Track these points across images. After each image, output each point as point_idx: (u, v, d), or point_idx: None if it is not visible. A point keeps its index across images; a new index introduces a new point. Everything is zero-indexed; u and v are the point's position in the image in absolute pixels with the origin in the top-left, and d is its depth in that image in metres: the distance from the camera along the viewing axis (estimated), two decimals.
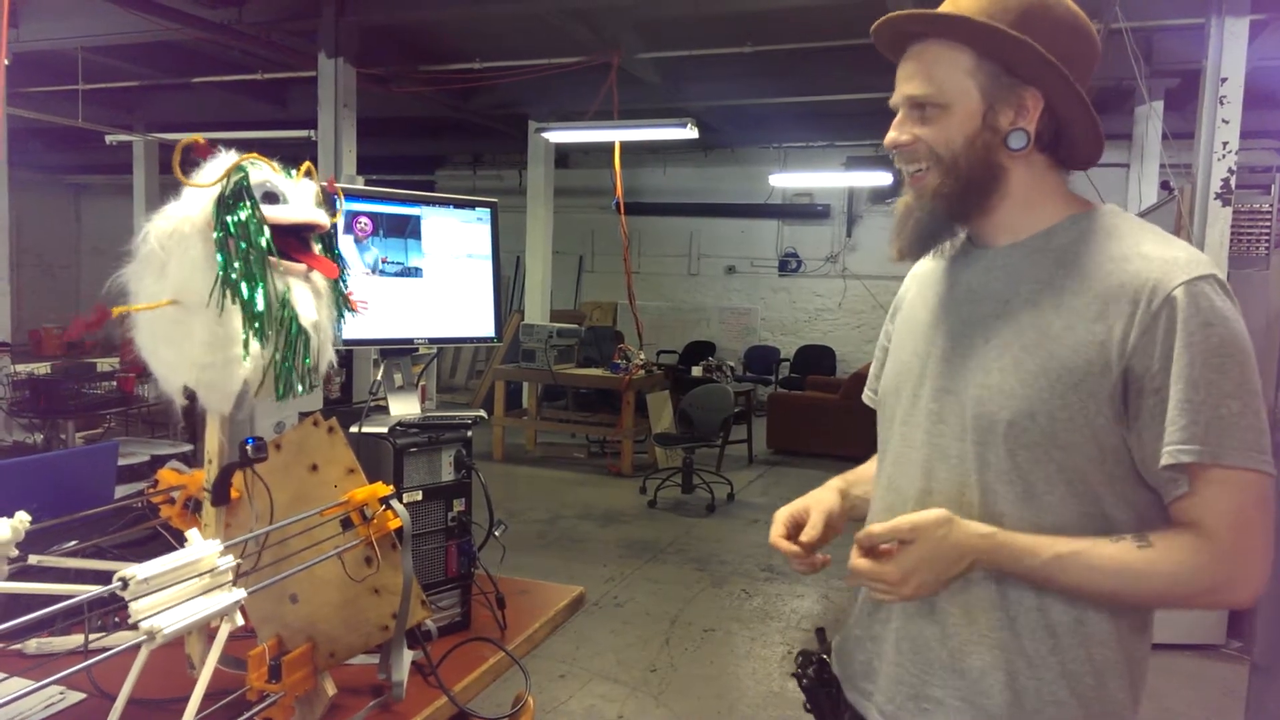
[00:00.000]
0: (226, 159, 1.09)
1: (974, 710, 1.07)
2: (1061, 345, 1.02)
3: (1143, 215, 5.95)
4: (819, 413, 8.01)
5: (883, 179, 9.93)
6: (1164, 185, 6.91)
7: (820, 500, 1.25)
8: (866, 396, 1.36)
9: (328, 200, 1.20)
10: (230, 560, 0.96)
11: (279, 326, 1.08)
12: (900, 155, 1.12)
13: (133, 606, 0.86)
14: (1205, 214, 4.61)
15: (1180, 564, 0.99)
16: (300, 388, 1.12)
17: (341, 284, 1.21)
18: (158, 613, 0.87)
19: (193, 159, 1.11)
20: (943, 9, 1.08)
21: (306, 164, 1.16)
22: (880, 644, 1.18)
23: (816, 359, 10.89)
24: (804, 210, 11.23)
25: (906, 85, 1.09)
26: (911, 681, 1.13)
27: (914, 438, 1.15)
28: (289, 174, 1.14)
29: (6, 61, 1.80)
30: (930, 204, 1.10)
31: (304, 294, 1.12)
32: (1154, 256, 1.01)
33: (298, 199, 1.13)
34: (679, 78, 7.62)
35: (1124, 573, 1.00)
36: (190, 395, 1.12)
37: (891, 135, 1.11)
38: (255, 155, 1.10)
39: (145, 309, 1.07)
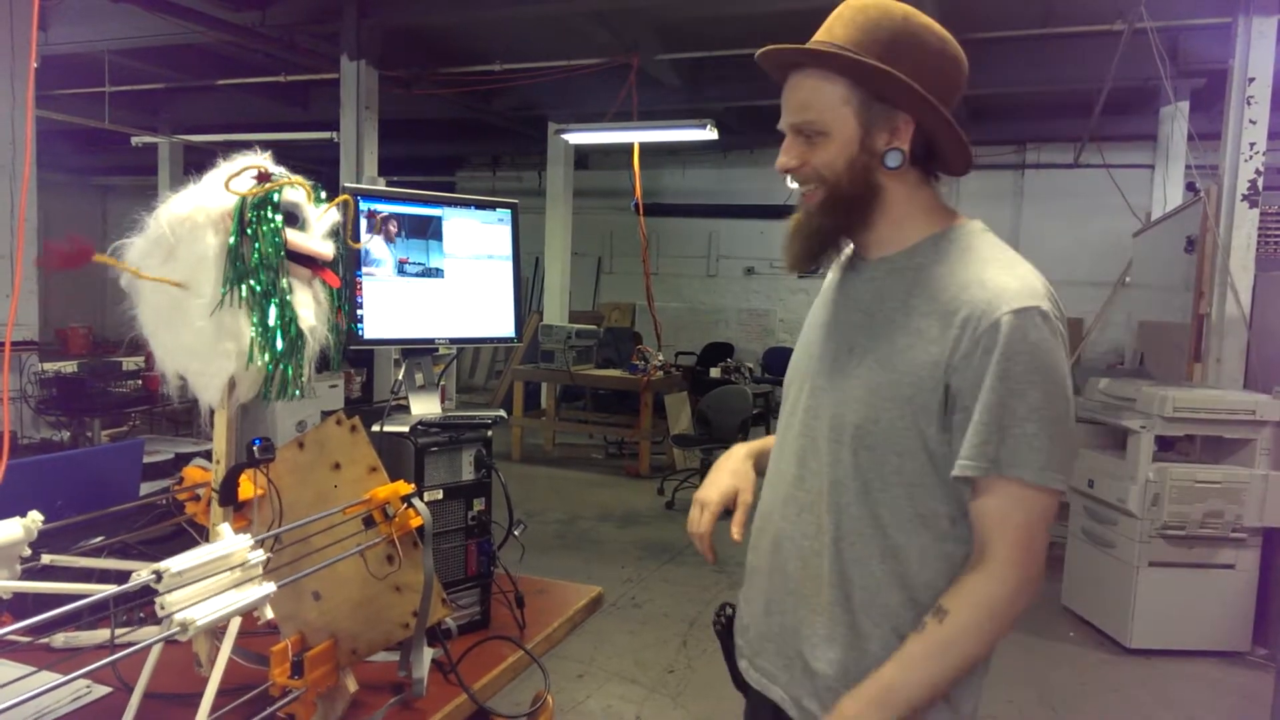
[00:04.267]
0: (270, 171, 1.12)
1: (809, 672, 1.20)
2: (903, 360, 1.12)
3: (1168, 218, 5.88)
4: None
5: None
6: (1189, 187, 6.84)
7: (748, 481, 1.35)
8: None
9: (349, 219, 1.22)
10: (260, 555, 0.97)
11: (278, 330, 1.10)
12: (792, 177, 1.20)
13: (166, 599, 0.87)
14: (1232, 216, 4.56)
15: (981, 611, 1.08)
16: (294, 391, 1.14)
17: (340, 296, 1.23)
18: (190, 605, 0.88)
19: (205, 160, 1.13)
20: (817, 39, 1.15)
21: (344, 198, 1.20)
22: (752, 605, 1.32)
23: None
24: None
25: (790, 114, 1.17)
26: (775, 638, 1.26)
27: (794, 428, 1.25)
28: (319, 202, 1.17)
29: (35, 64, 1.82)
30: (817, 220, 1.18)
31: (305, 298, 1.15)
32: (990, 284, 1.09)
33: (317, 228, 1.16)
34: (698, 79, 7.62)
35: (946, 648, 1.09)
36: (183, 380, 1.15)
37: (781, 160, 1.19)
38: (298, 180, 1.13)
39: (155, 280, 1.10)
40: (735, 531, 1.29)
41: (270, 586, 0.98)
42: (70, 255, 1.05)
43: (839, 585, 1.17)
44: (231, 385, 1.12)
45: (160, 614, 0.89)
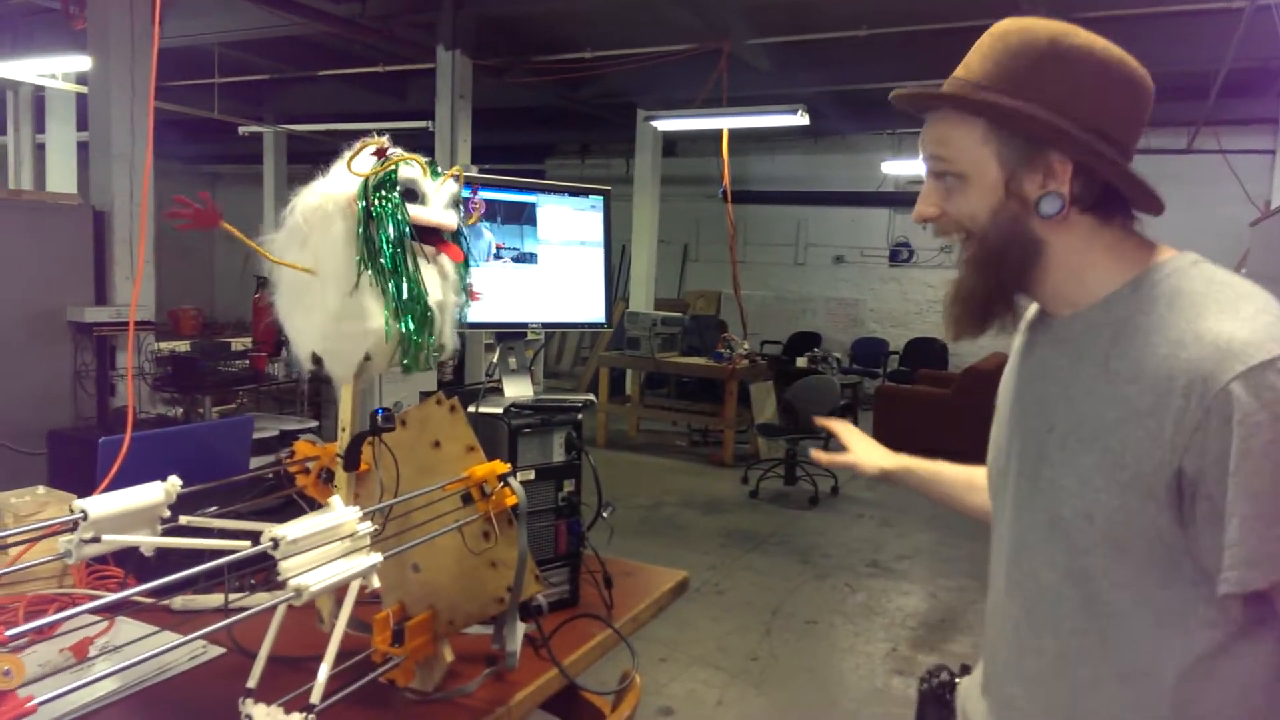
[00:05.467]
0: (388, 153, 1.17)
1: None
2: (1115, 439, 0.93)
3: None
4: (929, 408, 7.81)
5: None
6: None
7: (867, 467, 1.43)
8: None
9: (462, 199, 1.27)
10: (369, 526, 1.01)
11: (410, 304, 1.15)
12: (933, 229, 1.07)
13: (282, 565, 0.93)
14: None
15: None
16: (424, 363, 1.19)
17: (466, 269, 1.26)
18: (304, 572, 0.93)
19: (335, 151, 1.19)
20: (955, 74, 1.02)
21: (456, 168, 1.24)
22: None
23: (927, 352, 10.61)
24: (917, 198, 10.92)
25: (925, 152, 1.05)
26: None
27: (1003, 522, 1.10)
28: (435, 174, 1.21)
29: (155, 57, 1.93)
30: (970, 281, 1.03)
31: (432, 275, 1.19)
32: (1209, 338, 0.88)
33: (436, 200, 1.20)
34: (790, 63, 7.53)
35: None
36: (317, 361, 1.21)
37: (918, 209, 1.06)
38: (413, 156, 1.18)
39: (288, 265, 1.16)
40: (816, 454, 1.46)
41: (377, 557, 1.03)
42: (201, 215, 1.07)
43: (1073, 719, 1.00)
44: (364, 361, 1.17)
45: (279, 579, 0.94)
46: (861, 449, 1.48)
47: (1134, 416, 0.92)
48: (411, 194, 1.17)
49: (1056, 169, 0.97)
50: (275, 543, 0.91)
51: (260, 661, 1.07)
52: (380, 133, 1.21)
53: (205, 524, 1.14)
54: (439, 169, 1.23)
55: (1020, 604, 1.05)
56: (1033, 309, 1.11)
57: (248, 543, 0.93)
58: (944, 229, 1.05)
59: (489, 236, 1.75)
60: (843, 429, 1.54)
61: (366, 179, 1.13)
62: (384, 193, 1.14)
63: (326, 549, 0.96)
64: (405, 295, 1.13)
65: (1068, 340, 1.02)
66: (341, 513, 0.99)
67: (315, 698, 1.00)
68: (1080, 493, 0.96)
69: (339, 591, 1.04)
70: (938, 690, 1.26)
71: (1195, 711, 0.93)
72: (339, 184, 1.15)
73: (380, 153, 1.16)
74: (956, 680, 1.28)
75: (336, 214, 1.13)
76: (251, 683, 1.07)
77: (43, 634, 1.27)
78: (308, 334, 1.19)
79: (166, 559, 1.34)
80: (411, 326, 1.14)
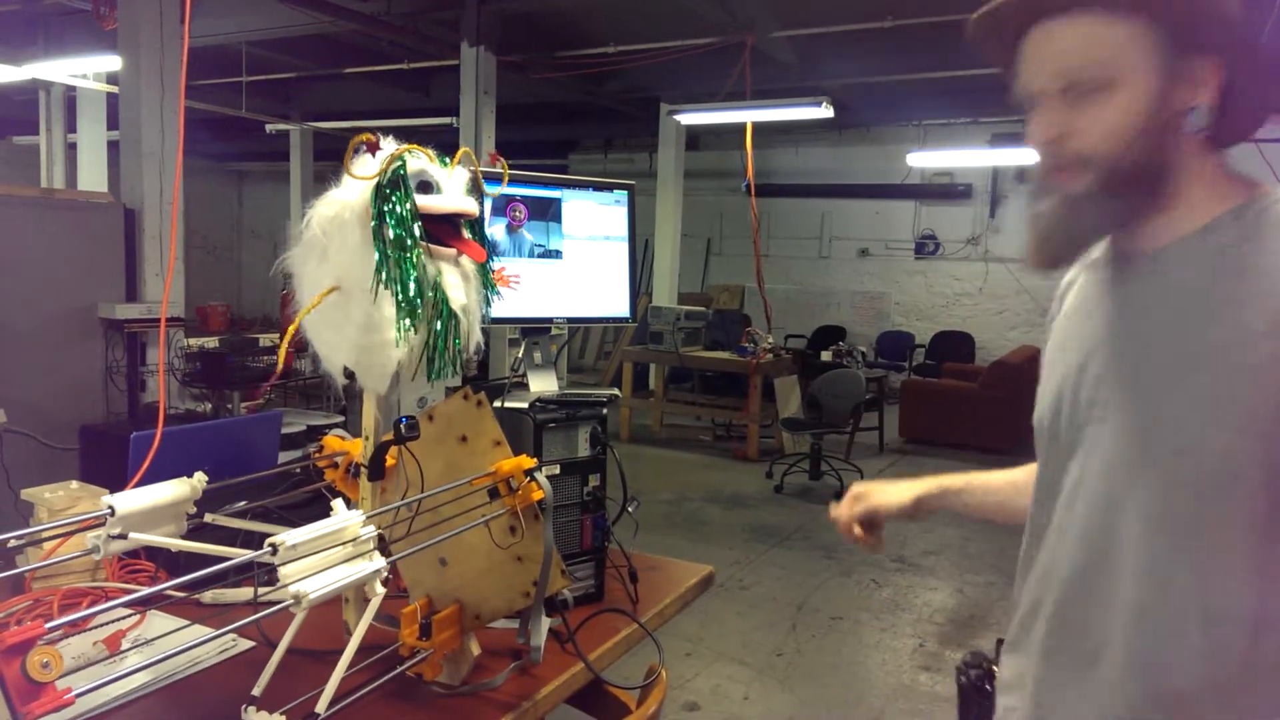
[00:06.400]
0: (387, 149, 1.15)
1: None
2: (1228, 364, 0.87)
3: None
4: (956, 401, 7.74)
5: (1031, 156, 9.45)
6: None
7: (892, 504, 1.34)
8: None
9: (477, 185, 1.24)
10: (372, 530, 1.00)
11: (431, 310, 1.13)
12: (1049, 152, 0.94)
13: (281, 571, 0.92)
14: None
15: None
16: (450, 370, 1.17)
17: (489, 266, 1.25)
18: (304, 578, 0.92)
19: (356, 149, 1.17)
20: None
21: (462, 151, 1.21)
22: (1011, 694, 1.11)
23: (954, 346, 10.51)
24: (943, 190, 10.82)
25: (1052, 63, 0.91)
26: None
27: (1062, 469, 1.02)
28: (444, 163, 1.19)
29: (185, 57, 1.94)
30: (1094, 210, 0.93)
31: (454, 278, 1.17)
32: None
33: (450, 188, 1.17)
34: (814, 56, 7.48)
35: None
36: (349, 374, 1.19)
37: (1038, 132, 0.93)
38: (415, 146, 1.15)
39: (311, 306, 1.14)
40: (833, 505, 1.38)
41: (381, 561, 1.02)
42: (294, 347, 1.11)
43: (1145, 669, 0.92)
44: (398, 371, 1.15)
45: (278, 585, 0.93)
46: (876, 493, 1.36)
47: (1248, 339, 0.85)
48: (426, 185, 1.14)
49: (1207, 77, 0.88)
50: (274, 549, 0.90)
51: (270, 668, 1.06)
52: (402, 130, 1.19)
53: (227, 523, 1.15)
54: (446, 158, 1.19)
55: (1098, 552, 0.97)
56: (1098, 248, 1.02)
57: (251, 552, 0.93)
58: (1062, 157, 0.93)
59: (530, 239, 1.76)
60: (849, 495, 1.39)
61: (379, 184, 1.11)
62: (396, 193, 1.10)
63: (329, 554, 0.95)
64: (414, 293, 1.10)
65: (1162, 273, 0.94)
66: (344, 517, 0.98)
67: (320, 707, 1.00)
68: (1188, 421, 0.89)
69: (364, 598, 1.03)
70: (977, 683, 1.24)
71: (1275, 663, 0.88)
72: (354, 191, 1.13)
73: (373, 148, 1.14)
74: (994, 668, 1.25)
75: (354, 222, 1.11)
76: (257, 690, 1.06)
77: (77, 627, 1.28)
78: (339, 348, 1.17)
79: (194, 552, 1.36)
80: (439, 329, 1.12)
